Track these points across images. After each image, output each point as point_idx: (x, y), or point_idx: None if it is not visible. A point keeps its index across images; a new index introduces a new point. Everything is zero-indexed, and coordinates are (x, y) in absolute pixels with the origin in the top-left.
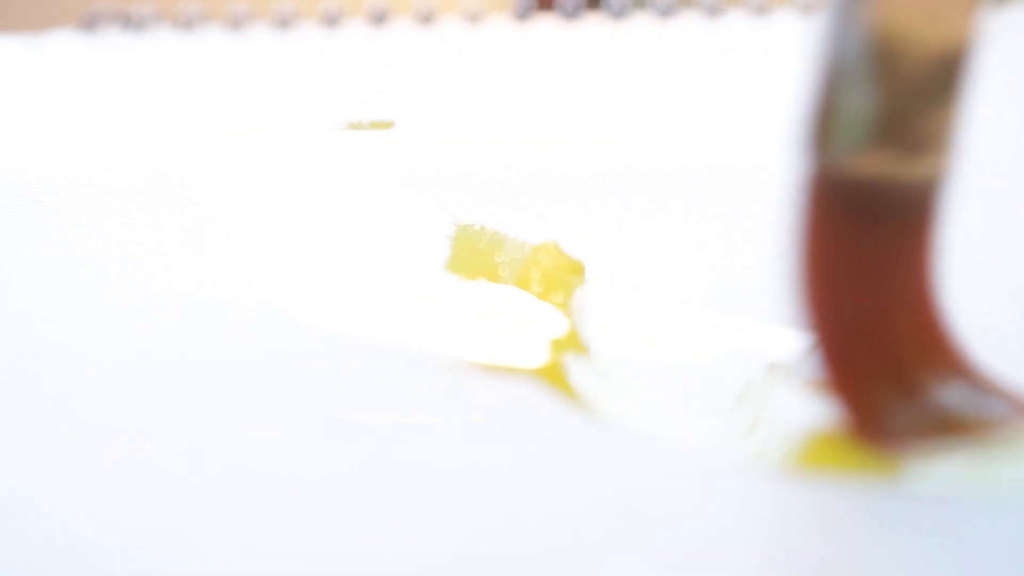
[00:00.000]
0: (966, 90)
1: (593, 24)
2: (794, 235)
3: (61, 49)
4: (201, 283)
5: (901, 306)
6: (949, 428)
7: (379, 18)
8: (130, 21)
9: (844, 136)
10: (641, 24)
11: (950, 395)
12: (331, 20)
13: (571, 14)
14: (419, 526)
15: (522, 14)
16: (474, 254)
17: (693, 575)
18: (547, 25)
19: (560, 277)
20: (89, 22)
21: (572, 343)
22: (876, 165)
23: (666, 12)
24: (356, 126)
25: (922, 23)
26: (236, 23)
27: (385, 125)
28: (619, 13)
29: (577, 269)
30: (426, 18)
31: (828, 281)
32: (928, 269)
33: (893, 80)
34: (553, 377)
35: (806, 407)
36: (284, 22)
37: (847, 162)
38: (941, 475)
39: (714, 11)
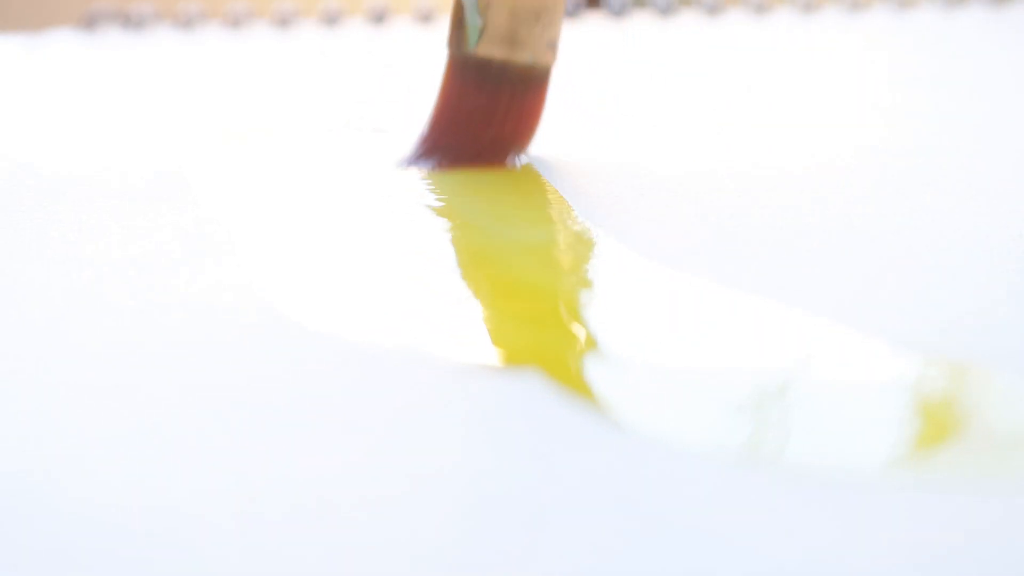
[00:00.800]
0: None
1: (593, 23)
2: (436, 98)
3: (61, 48)
4: (201, 283)
5: (495, 138)
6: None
7: (379, 18)
8: (130, 20)
9: (468, 38)
10: (641, 23)
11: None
12: (331, 20)
13: (570, 14)
14: (420, 525)
15: None
16: (475, 253)
17: (695, 574)
18: None
19: (565, 273)
20: (89, 21)
21: (577, 339)
22: (490, 53)
23: (666, 11)
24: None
25: None
26: (236, 22)
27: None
28: (619, 12)
29: (580, 265)
30: (426, 18)
31: (451, 125)
32: (523, 126)
33: (497, 10)
34: (559, 373)
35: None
36: (284, 21)
37: (471, 51)
38: (947, 467)
39: (714, 10)
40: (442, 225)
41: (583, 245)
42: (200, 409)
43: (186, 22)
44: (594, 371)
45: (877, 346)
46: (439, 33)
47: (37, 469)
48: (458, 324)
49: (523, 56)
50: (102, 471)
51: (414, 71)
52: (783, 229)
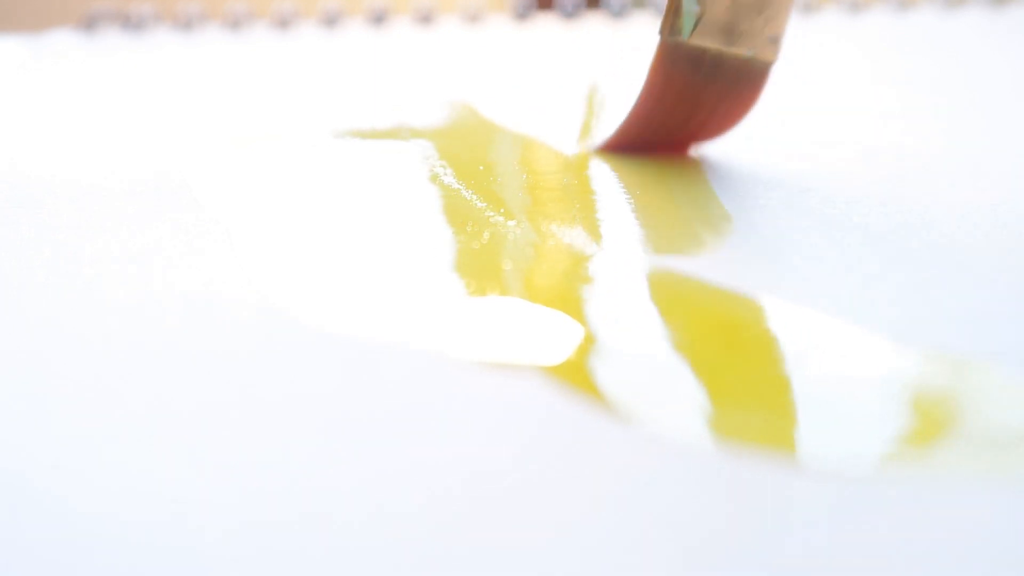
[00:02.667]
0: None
1: (592, 23)
2: (646, 83)
3: (60, 49)
4: (202, 284)
5: (696, 130)
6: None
7: (379, 18)
8: (130, 21)
9: (683, 25)
10: (640, 23)
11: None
12: (331, 20)
13: (570, 13)
14: (422, 524)
15: (521, 14)
16: (476, 252)
17: (698, 572)
18: (546, 24)
19: (566, 271)
20: (89, 22)
21: (577, 336)
22: (705, 43)
23: None
24: (367, 134)
25: None
26: (235, 23)
27: (393, 134)
28: (618, 13)
29: (583, 262)
30: (426, 18)
31: (654, 114)
32: (728, 120)
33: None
34: (563, 372)
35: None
36: (284, 22)
37: (684, 39)
38: (949, 463)
39: None
40: (444, 225)
41: (579, 240)
42: (201, 407)
43: (186, 23)
44: (595, 368)
45: (876, 342)
46: (439, 34)
47: (37, 466)
48: (459, 321)
49: (741, 49)
50: (101, 468)
51: (414, 72)
52: (782, 227)
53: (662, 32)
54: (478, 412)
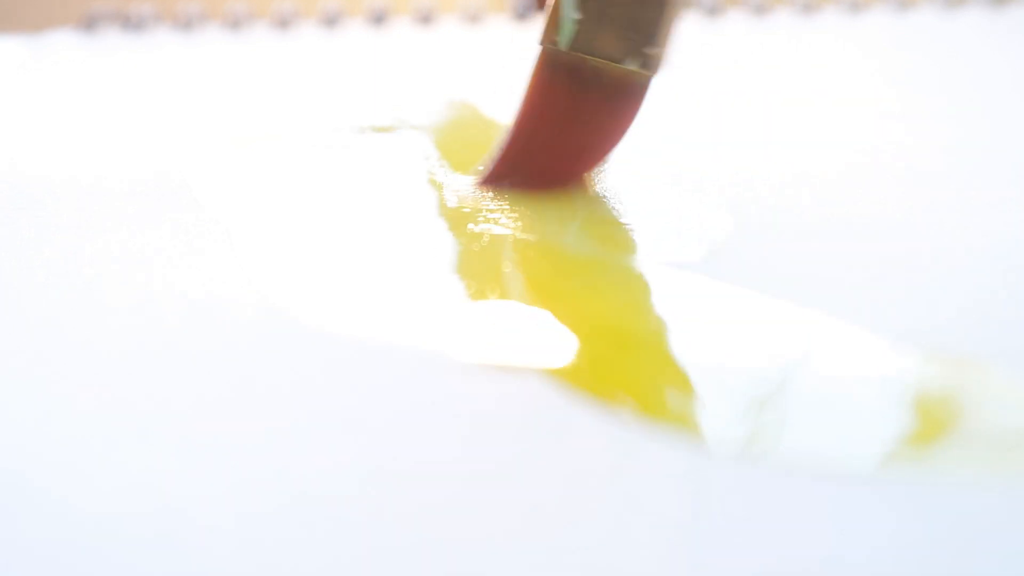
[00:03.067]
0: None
1: None
2: (522, 94)
3: (60, 49)
4: (202, 284)
5: (578, 150)
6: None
7: (379, 18)
8: (130, 21)
9: (562, 32)
10: None
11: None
12: (331, 20)
13: None
14: (422, 524)
15: (521, 14)
16: (478, 252)
17: (695, 570)
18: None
19: (566, 269)
20: (89, 22)
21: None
22: (584, 53)
23: None
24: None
25: None
26: (235, 23)
27: (387, 129)
28: None
29: (584, 261)
30: (426, 18)
31: (536, 120)
32: (609, 138)
33: (593, 10)
34: (564, 371)
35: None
36: (284, 22)
37: (563, 48)
38: (950, 461)
39: (713, 11)
40: (445, 225)
41: (588, 240)
42: (200, 406)
43: (186, 23)
44: (598, 367)
45: (877, 342)
46: (439, 34)
47: (36, 465)
48: (459, 323)
49: (620, 62)
50: (101, 466)
51: (414, 71)
52: (783, 227)
53: (542, 41)
54: (476, 412)
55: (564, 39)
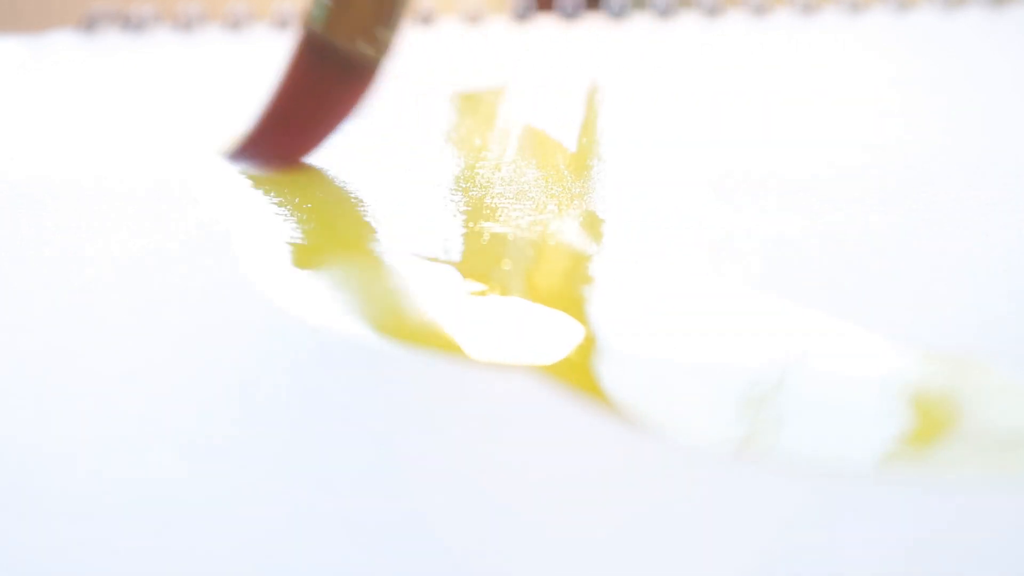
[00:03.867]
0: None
1: (592, 23)
2: (279, 75)
3: (60, 49)
4: (202, 284)
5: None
6: None
7: None
8: (130, 22)
9: (315, 16)
10: (641, 24)
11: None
12: None
13: (570, 14)
14: (423, 524)
15: (521, 14)
16: (478, 251)
17: (695, 571)
18: (546, 25)
19: (566, 269)
20: (89, 23)
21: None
22: (324, 33)
23: (665, 12)
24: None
25: None
26: (236, 24)
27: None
28: (618, 13)
29: (583, 259)
30: (426, 18)
31: (283, 98)
32: (331, 113)
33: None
34: (559, 370)
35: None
36: (284, 23)
37: (316, 33)
38: (948, 461)
39: (713, 11)
40: (445, 225)
41: (587, 239)
42: (201, 408)
43: (186, 23)
44: (595, 367)
45: (876, 342)
46: (439, 34)
47: (35, 467)
48: (457, 320)
49: (349, 43)
50: (101, 469)
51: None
52: (783, 227)
53: (303, 21)
54: (477, 410)
55: (316, 21)
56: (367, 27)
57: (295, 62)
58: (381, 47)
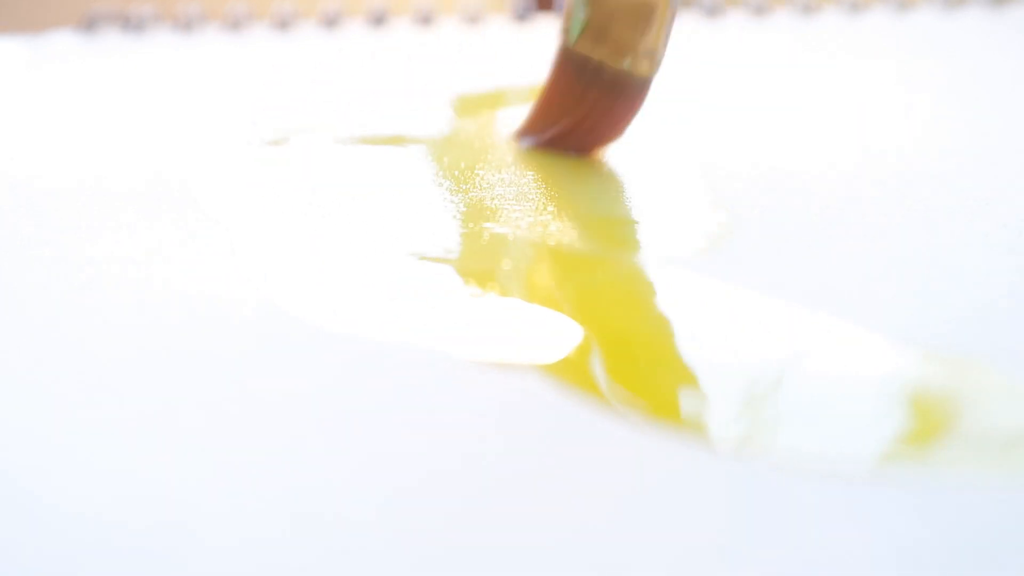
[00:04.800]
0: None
1: None
2: (544, 86)
3: (60, 50)
4: (201, 284)
5: (585, 134)
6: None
7: (379, 19)
8: (130, 22)
9: (572, 31)
10: None
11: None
12: (331, 21)
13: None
14: (422, 522)
15: (521, 15)
16: (478, 251)
17: (696, 571)
18: (546, 25)
19: (565, 269)
20: (89, 23)
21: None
22: (588, 51)
23: None
24: (371, 140)
25: None
26: (236, 24)
27: (400, 140)
28: None
29: (582, 258)
30: (426, 18)
31: (551, 110)
32: (606, 131)
33: (598, 6)
34: (564, 370)
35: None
36: (284, 23)
37: (572, 45)
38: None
39: (713, 12)
40: (445, 226)
41: (584, 243)
42: (201, 408)
43: (186, 24)
44: (599, 367)
45: (876, 342)
46: (439, 34)
47: (36, 468)
48: (463, 321)
49: (618, 61)
50: (101, 469)
51: (415, 73)
52: (782, 226)
53: (560, 35)
54: (477, 410)
55: (573, 35)
56: (629, 43)
57: (555, 76)
58: (646, 63)
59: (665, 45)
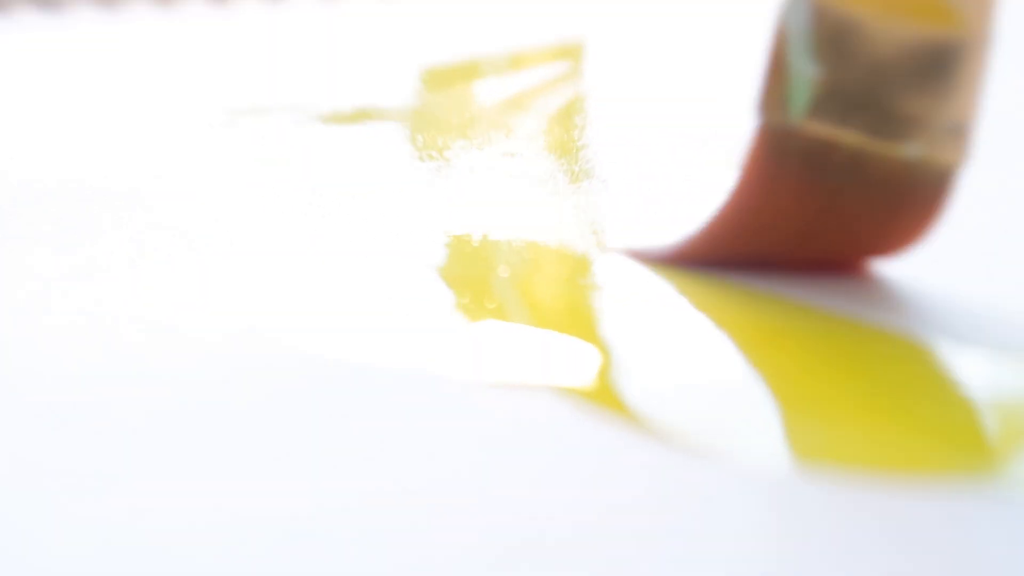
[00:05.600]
0: (961, 84)
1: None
2: (736, 186)
3: None
4: (157, 298)
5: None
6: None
7: None
8: (47, 1)
9: (791, 96)
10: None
11: None
12: None
13: None
14: (426, 540)
15: None
16: (470, 260)
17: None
18: None
19: (566, 280)
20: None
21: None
22: (834, 132)
23: None
24: (337, 118)
25: (883, 11)
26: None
27: (368, 115)
28: None
29: (583, 268)
30: None
31: (755, 232)
32: (875, 250)
33: (846, 58)
34: (580, 391)
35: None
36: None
37: (796, 122)
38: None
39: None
40: (437, 230)
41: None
42: (205, 421)
43: (108, 1)
44: (601, 378)
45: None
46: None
47: (35, 466)
48: (464, 340)
49: (899, 145)
50: (98, 467)
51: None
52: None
53: (763, 107)
54: (486, 429)
55: (796, 107)
56: (915, 114)
57: (758, 174)
58: (950, 144)
59: (977, 111)
